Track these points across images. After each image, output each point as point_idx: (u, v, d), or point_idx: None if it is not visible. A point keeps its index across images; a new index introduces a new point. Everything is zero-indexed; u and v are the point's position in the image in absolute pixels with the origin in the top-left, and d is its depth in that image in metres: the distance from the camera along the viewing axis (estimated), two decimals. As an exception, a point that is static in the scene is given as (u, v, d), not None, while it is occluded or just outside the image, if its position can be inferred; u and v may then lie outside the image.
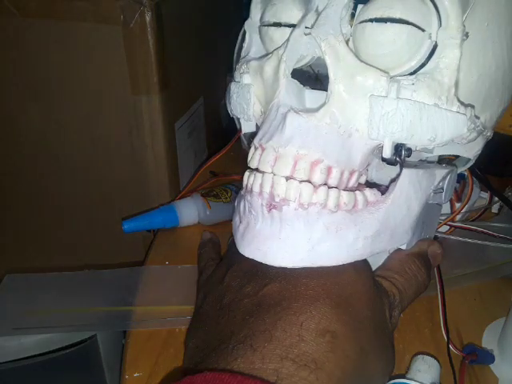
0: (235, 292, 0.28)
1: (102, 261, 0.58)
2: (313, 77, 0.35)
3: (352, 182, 0.28)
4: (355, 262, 0.29)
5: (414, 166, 0.31)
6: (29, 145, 0.55)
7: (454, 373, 0.31)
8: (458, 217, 0.44)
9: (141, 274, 0.42)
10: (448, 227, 0.43)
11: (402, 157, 0.29)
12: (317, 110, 0.28)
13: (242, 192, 0.30)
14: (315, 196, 0.27)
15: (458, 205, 0.44)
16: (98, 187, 0.56)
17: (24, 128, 0.54)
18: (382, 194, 0.29)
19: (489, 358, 0.34)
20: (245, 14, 0.35)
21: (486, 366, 0.34)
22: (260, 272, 0.28)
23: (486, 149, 0.34)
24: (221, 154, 0.50)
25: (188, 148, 0.59)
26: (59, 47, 0.49)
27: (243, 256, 0.31)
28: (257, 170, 0.29)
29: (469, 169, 0.36)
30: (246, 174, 0.30)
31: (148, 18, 0.46)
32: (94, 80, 0.50)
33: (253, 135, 0.31)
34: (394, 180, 0.30)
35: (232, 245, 0.35)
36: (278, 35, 0.31)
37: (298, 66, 0.31)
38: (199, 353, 0.27)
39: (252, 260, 0.29)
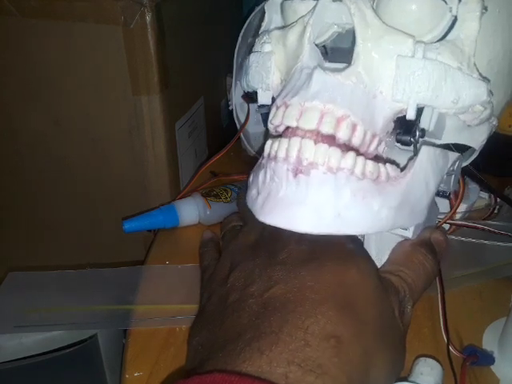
0: (239, 292, 0.28)
1: (103, 261, 0.58)
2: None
3: (373, 147, 0.28)
4: (358, 261, 0.29)
5: (431, 144, 0.31)
6: (29, 145, 0.55)
7: (455, 374, 0.31)
8: (458, 217, 0.44)
9: (141, 273, 0.42)
10: (448, 227, 0.43)
11: (417, 137, 0.29)
12: (342, 70, 0.28)
13: (263, 161, 0.29)
14: (344, 161, 0.26)
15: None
16: (98, 187, 0.56)
17: (24, 128, 0.54)
18: (401, 171, 0.29)
19: (489, 359, 0.34)
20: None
21: (487, 367, 0.34)
22: (264, 273, 0.28)
23: (485, 149, 0.34)
24: (221, 154, 0.50)
25: (188, 148, 0.59)
26: (59, 47, 0.49)
27: (246, 254, 0.30)
28: (280, 136, 0.29)
29: (463, 169, 0.37)
30: (269, 141, 0.29)
31: (148, 18, 0.46)
32: (94, 80, 0.50)
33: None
34: (411, 158, 0.30)
35: (229, 241, 0.35)
36: (303, 8, 0.32)
37: (318, 41, 0.31)
38: (204, 351, 0.27)
39: (256, 260, 0.29)
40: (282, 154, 0.27)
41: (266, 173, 0.29)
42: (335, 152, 0.26)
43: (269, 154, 0.29)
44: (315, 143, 0.26)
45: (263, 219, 0.28)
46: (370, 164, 0.27)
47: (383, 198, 0.28)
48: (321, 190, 0.27)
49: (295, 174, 0.27)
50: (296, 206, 0.27)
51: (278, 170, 0.27)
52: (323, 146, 0.26)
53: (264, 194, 0.28)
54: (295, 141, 0.27)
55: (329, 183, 0.26)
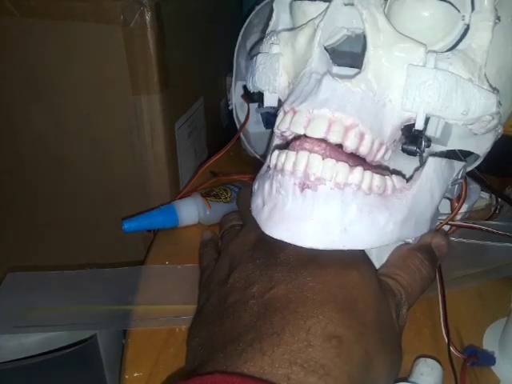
0: (240, 293, 0.28)
1: (102, 261, 0.58)
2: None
3: (380, 155, 0.28)
4: (359, 263, 0.29)
5: (437, 154, 0.31)
6: (29, 145, 0.55)
7: (455, 375, 0.31)
8: (459, 217, 0.44)
9: (141, 274, 0.42)
10: (449, 228, 0.43)
11: (422, 147, 0.29)
12: (352, 76, 0.28)
13: (270, 172, 0.29)
14: (351, 176, 0.26)
15: (460, 205, 0.44)
16: (98, 187, 0.56)
17: (24, 128, 0.54)
18: (407, 181, 0.29)
19: (490, 359, 0.33)
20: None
21: (487, 368, 0.33)
22: (265, 274, 0.28)
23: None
24: (221, 154, 0.50)
25: (188, 148, 0.59)
26: (59, 47, 0.49)
27: (246, 255, 0.30)
28: (286, 147, 0.28)
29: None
30: (276, 152, 0.29)
31: (148, 18, 0.46)
32: (94, 80, 0.50)
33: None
34: (417, 169, 0.30)
35: (228, 241, 0.35)
36: (313, 9, 0.31)
37: (326, 44, 0.31)
38: (204, 352, 0.27)
39: (256, 261, 0.29)
40: (288, 168, 0.27)
41: (272, 184, 0.29)
42: (343, 167, 0.26)
43: (275, 166, 0.28)
44: (323, 158, 0.26)
45: (269, 232, 0.28)
46: (377, 178, 0.27)
47: (389, 212, 0.28)
48: (327, 206, 0.27)
49: (302, 189, 0.27)
50: (302, 220, 0.27)
51: (284, 184, 0.27)
52: (331, 162, 0.26)
53: (270, 206, 0.28)
54: (303, 155, 0.27)
55: (336, 199, 0.26)
